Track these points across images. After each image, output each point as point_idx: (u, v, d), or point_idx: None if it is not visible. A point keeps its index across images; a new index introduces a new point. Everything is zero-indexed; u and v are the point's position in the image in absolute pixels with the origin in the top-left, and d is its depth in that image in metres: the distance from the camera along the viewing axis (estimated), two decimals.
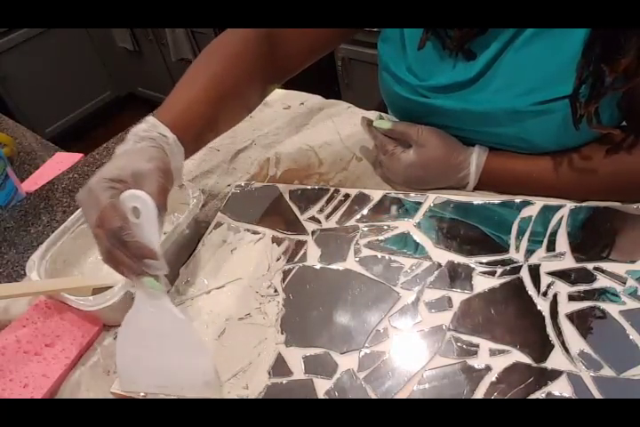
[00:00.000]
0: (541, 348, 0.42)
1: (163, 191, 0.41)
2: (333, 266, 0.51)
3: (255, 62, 0.53)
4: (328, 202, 0.58)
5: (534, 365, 0.41)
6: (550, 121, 0.49)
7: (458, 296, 0.47)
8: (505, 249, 0.50)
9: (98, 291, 0.47)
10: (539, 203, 0.53)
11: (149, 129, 0.44)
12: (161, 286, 0.40)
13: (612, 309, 0.44)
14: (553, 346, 0.42)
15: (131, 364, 0.43)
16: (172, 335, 0.42)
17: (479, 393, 0.40)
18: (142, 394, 0.43)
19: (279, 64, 0.55)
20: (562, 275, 0.47)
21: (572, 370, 0.40)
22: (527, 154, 0.54)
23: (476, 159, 0.54)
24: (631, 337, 0.42)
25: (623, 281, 0.45)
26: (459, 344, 0.43)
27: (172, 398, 0.42)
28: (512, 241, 0.50)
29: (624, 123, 0.53)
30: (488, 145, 0.55)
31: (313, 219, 0.56)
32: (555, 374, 0.40)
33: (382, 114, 0.64)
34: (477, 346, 0.43)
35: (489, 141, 0.55)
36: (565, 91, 0.47)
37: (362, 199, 0.58)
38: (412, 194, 0.57)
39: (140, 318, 0.42)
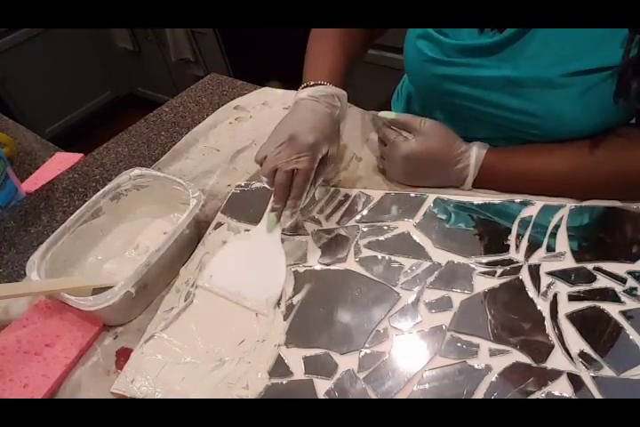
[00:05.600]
0: (541, 348, 0.42)
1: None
2: (333, 266, 0.51)
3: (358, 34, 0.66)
4: (328, 202, 0.58)
5: (534, 365, 0.41)
6: (568, 96, 0.49)
7: (458, 296, 0.47)
8: (505, 249, 0.50)
9: (98, 291, 0.47)
10: (539, 203, 0.53)
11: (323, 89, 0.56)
12: (273, 228, 0.52)
13: (611, 309, 0.44)
14: (553, 346, 0.42)
15: (220, 268, 0.52)
16: (266, 260, 0.52)
17: (479, 393, 0.40)
18: (141, 395, 0.43)
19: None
20: (562, 275, 0.47)
21: (572, 370, 0.40)
22: (528, 146, 0.54)
23: (476, 152, 0.55)
24: (631, 337, 0.42)
25: (623, 281, 0.46)
26: (459, 344, 0.43)
27: (172, 398, 0.42)
28: (512, 241, 0.50)
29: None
30: (495, 123, 0.55)
31: (313, 219, 0.56)
32: (555, 374, 0.40)
33: None
34: (477, 346, 0.43)
35: (497, 116, 0.55)
36: (594, 63, 0.46)
37: (362, 199, 0.58)
38: (412, 194, 0.57)
39: (251, 239, 0.54)
